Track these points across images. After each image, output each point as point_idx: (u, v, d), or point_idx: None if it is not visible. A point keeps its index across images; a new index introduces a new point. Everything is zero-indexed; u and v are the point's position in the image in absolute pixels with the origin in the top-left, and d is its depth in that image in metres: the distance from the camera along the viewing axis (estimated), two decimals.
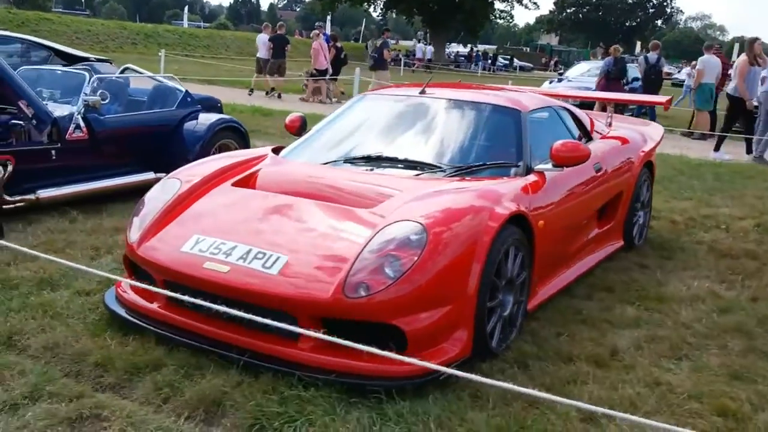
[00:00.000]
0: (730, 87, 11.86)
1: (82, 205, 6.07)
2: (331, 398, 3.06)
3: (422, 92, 4.78)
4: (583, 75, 19.87)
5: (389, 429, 2.92)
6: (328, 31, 28.93)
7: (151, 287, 3.41)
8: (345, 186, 3.95)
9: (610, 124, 6.13)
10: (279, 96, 18.17)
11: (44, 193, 5.87)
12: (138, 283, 3.59)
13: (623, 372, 3.58)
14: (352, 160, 4.33)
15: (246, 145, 7.26)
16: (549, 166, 4.28)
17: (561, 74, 23.27)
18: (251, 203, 3.86)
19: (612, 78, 15.86)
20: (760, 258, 5.79)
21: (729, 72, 14.25)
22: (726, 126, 11.94)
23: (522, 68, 51.32)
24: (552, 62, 56.53)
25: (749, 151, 11.67)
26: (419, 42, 48.75)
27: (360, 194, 3.83)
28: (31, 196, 5.79)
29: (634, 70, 18.32)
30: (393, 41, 68.90)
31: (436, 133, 4.51)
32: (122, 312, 3.76)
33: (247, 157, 4.53)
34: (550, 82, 19.88)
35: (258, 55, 19.04)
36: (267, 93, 18.16)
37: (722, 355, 3.88)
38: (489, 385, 3.14)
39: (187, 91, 7.16)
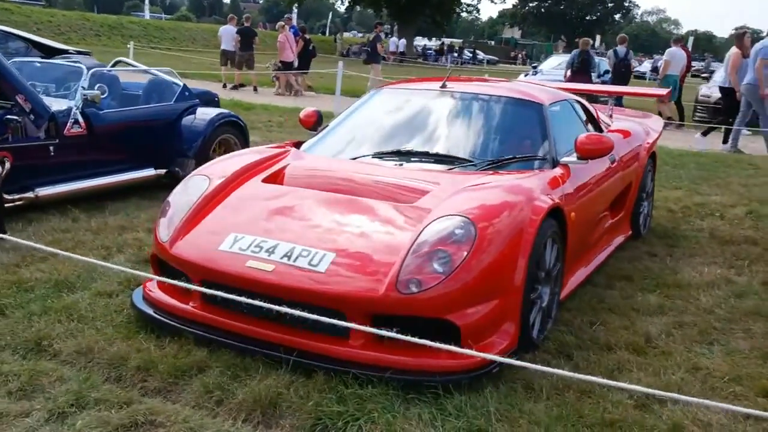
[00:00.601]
0: (722, 79, 12.04)
1: (83, 203, 5.93)
2: (388, 395, 3.04)
3: (443, 86, 4.76)
4: (555, 68, 20.11)
5: (451, 424, 2.91)
6: (296, 23, 28.70)
7: (197, 287, 3.33)
8: (380, 181, 3.92)
9: (611, 116, 6.20)
10: (255, 89, 17.95)
11: (43, 191, 5.72)
12: (183, 284, 3.48)
13: (662, 358, 3.63)
14: (380, 155, 4.29)
15: (246, 140, 7.18)
16: (574, 158, 4.31)
17: (535, 67, 23.45)
18: (286, 200, 3.80)
19: (576, 71, 16.04)
20: (760, 243, 5.91)
21: (692, 64, 14.72)
22: (726, 117, 12.12)
23: (488, 62, 51.54)
24: (520, 55, 56.91)
25: (725, 140, 11.89)
26: (389, 35, 48.63)
27: (397, 189, 3.81)
28: (30, 194, 5.64)
29: (604, 64, 18.61)
30: (360, 35, 68.69)
31: (462, 128, 4.50)
32: (153, 313, 3.69)
33: (269, 152, 4.46)
34: (526, 75, 20.02)
35: (223, 47, 18.76)
36: (233, 87, 17.89)
37: (748, 338, 3.96)
38: (541, 375, 3.22)
39: (185, 84, 7.04)
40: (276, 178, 4.09)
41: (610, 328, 3.96)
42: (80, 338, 3.54)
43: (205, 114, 6.85)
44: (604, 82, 17.27)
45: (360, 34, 70.73)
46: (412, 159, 4.22)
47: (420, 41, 58.12)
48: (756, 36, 16.88)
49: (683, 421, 3.01)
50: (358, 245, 3.38)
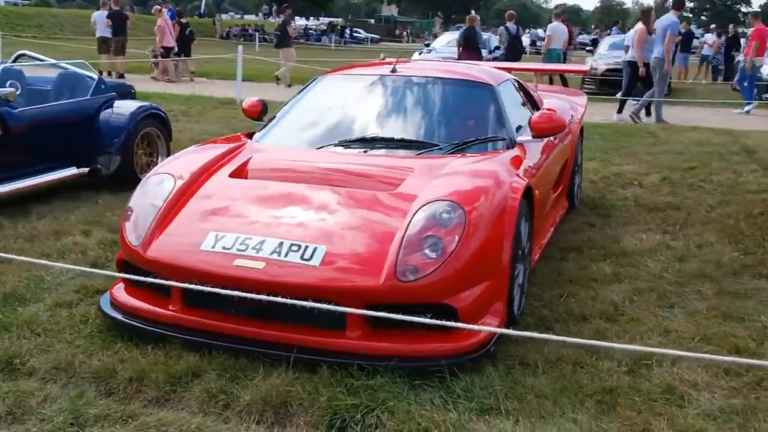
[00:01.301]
0: (629, 54, 12.56)
1: (5, 209, 5.57)
2: (396, 383, 3.05)
3: (394, 71, 4.75)
4: (447, 45, 20.45)
5: (463, 406, 2.95)
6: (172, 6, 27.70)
7: (215, 289, 3.18)
8: (353, 170, 3.89)
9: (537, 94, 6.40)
10: (121, 76, 17.08)
11: None
12: (190, 286, 3.34)
13: (634, 324, 3.81)
14: (345, 143, 4.26)
15: (169, 132, 6.94)
16: (529, 137, 4.43)
17: (428, 45, 23.77)
18: (260, 194, 3.72)
19: (465, 47, 16.39)
20: (682, 208, 6.29)
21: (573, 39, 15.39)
22: (627, 90, 12.67)
23: (371, 40, 51.66)
24: (406, 33, 57.28)
25: (620, 111, 12.48)
26: (266, 16, 47.79)
27: (373, 177, 3.80)
28: None
29: (494, 40, 19.15)
30: (238, 15, 66.77)
31: (420, 112, 4.53)
32: (128, 319, 3.53)
33: (226, 146, 4.33)
34: (420, 53, 20.24)
35: (99, 34, 18.03)
36: (119, 76, 17.13)
37: (702, 299, 4.21)
38: (534, 350, 3.35)
39: (100, 77, 6.69)
40: (242, 172, 3.99)
41: (579, 299, 4.12)
42: (54, 353, 3.35)
43: (125, 107, 6.54)
44: (495, 58, 17.76)
45: (237, 15, 69.18)
46: (378, 146, 4.22)
47: (299, 21, 57.44)
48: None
49: (673, 382, 3.18)
50: (349, 236, 3.35)
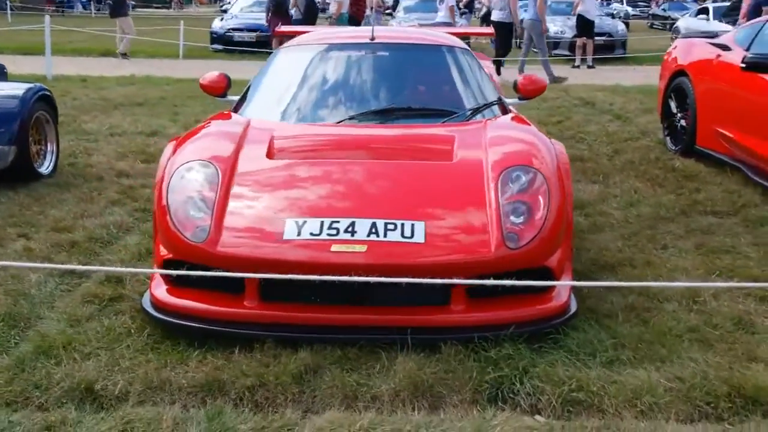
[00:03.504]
0: (496, 15, 12.95)
1: None
2: (520, 350, 3.07)
3: (372, 39, 4.62)
4: (249, 10, 19.83)
5: (591, 362, 3.04)
6: None
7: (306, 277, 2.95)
8: (394, 142, 3.79)
9: None
10: None
11: None
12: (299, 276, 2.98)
13: (652, 269, 4.12)
14: (362, 116, 4.09)
15: (56, 115, 6.15)
16: (515, 99, 4.58)
17: (224, 10, 22.83)
18: (316, 173, 3.52)
19: (275, 12, 16.13)
20: (587, 159, 6.79)
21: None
22: (505, 51, 13.08)
23: (132, 7, 48.12)
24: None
25: (498, 72, 13.01)
26: None
27: (421, 148, 3.74)
28: None
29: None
30: None
31: (418, 79, 4.49)
32: (194, 323, 3.20)
33: (228, 124, 4.01)
34: (221, 20, 19.47)
35: None
36: None
37: (681, 238, 4.65)
38: (597, 299, 3.52)
39: None
40: (278, 153, 3.69)
41: (583, 250, 4.36)
42: (130, 372, 2.95)
43: (11, 90, 5.69)
44: (296, 21, 17.51)
45: None
46: (394, 116, 4.12)
47: None
48: None
49: (734, 313, 3.52)
50: (439, 210, 3.29)
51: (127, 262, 4.11)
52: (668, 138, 7.25)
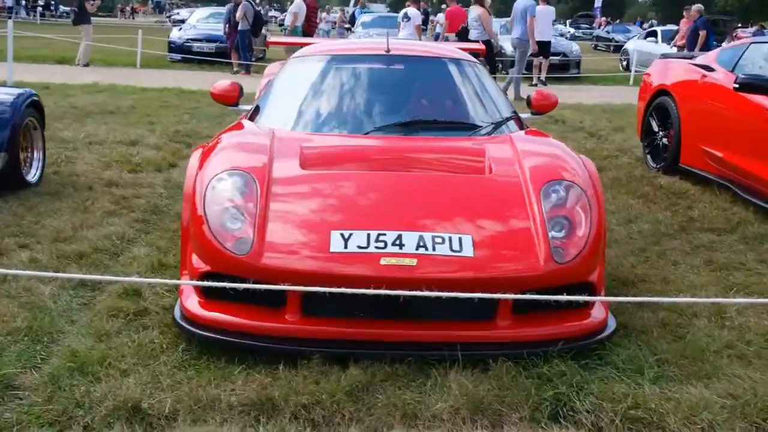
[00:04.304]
0: (474, 34, 12.98)
1: None
2: (569, 365, 3.05)
3: (388, 51, 4.58)
4: (203, 21, 19.63)
5: (639, 377, 3.04)
6: None
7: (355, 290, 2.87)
8: (427, 154, 3.78)
9: None
10: None
11: None
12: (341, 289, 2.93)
13: (672, 285, 4.17)
14: (388, 127, 4.04)
15: (44, 121, 5.93)
16: (528, 114, 4.61)
17: (176, 20, 22.52)
18: (355, 185, 3.46)
19: (234, 24, 16.12)
20: None
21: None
22: (492, 67, 13.16)
23: (66, 13, 46.68)
24: (128, 8, 52.67)
25: None
26: None
27: (454, 160, 3.73)
28: None
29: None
30: None
31: (438, 92, 4.46)
32: (233, 338, 3.10)
33: (253, 134, 3.92)
34: (180, 29, 19.17)
35: None
36: None
37: (688, 254, 4.70)
38: (635, 317, 3.55)
39: None
40: (311, 164, 3.61)
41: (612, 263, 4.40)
42: (175, 390, 2.83)
43: (2, 96, 5.45)
44: (245, 32, 17.30)
45: None
46: (419, 129, 4.08)
47: None
48: None
49: (762, 330, 3.60)
50: (484, 223, 3.27)
51: (143, 275, 3.95)
52: (648, 156, 7.40)
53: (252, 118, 4.34)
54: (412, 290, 2.89)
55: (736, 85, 5.68)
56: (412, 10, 15.64)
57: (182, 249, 3.53)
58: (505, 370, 3.00)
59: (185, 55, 17.56)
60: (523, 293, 3.09)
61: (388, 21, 19.67)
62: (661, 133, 7.16)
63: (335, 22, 25.30)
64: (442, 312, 3.13)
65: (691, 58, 7.73)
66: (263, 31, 20.32)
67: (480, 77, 4.62)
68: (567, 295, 3.06)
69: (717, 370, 3.15)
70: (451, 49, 5.05)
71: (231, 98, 4.54)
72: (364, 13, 23.18)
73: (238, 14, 16.05)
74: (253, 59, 17.45)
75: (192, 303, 3.25)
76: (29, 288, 3.70)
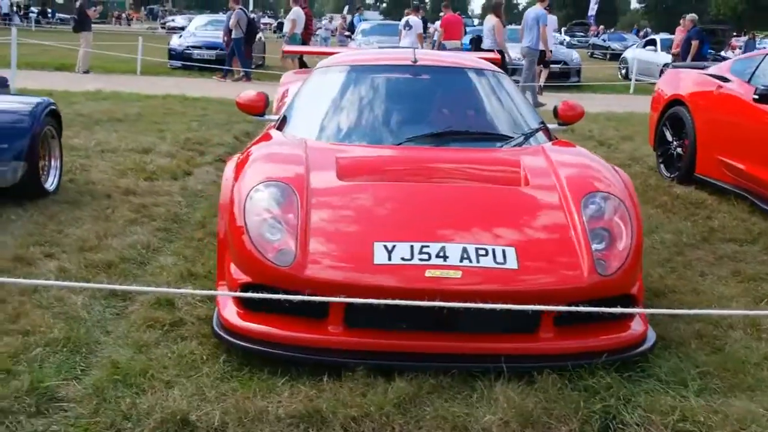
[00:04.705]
0: (486, 44, 13.09)
1: None
2: (613, 378, 3.04)
3: (415, 61, 4.57)
4: (201, 28, 19.63)
5: (684, 390, 3.03)
6: None
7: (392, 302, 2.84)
8: (462, 165, 3.77)
9: None
10: None
11: None
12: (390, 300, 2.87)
13: (702, 296, 4.16)
14: (421, 138, 4.03)
15: (61, 130, 5.90)
16: (555, 125, 4.61)
17: (181, 28, 22.51)
18: (394, 196, 3.45)
19: (229, 31, 16.16)
20: None
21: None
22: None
23: (62, 21, 46.59)
24: (124, 16, 52.24)
25: None
26: None
27: (492, 172, 3.71)
28: None
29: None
30: None
31: (467, 102, 4.46)
32: (277, 350, 3.08)
33: (286, 145, 3.91)
34: (180, 37, 19.13)
35: None
36: None
37: (714, 265, 4.70)
38: (669, 329, 3.55)
39: None
40: (347, 175, 3.60)
41: None
42: (221, 402, 2.81)
43: (18, 104, 5.43)
44: (237, 40, 17.22)
45: None
46: (451, 139, 4.08)
47: None
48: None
49: None
50: (526, 235, 3.26)
51: (174, 284, 3.92)
52: (662, 165, 7.42)
53: (280, 128, 4.32)
54: (457, 302, 2.88)
55: (756, 96, 5.69)
56: (413, 19, 15.68)
57: (219, 259, 3.51)
58: (551, 383, 2.98)
59: (185, 62, 17.53)
60: (568, 305, 3.08)
61: (388, 28, 19.70)
62: (675, 142, 7.18)
63: (334, 30, 25.30)
64: (485, 324, 3.11)
65: (702, 68, 7.75)
66: (260, 38, 20.42)
67: (506, 87, 4.62)
68: (609, 306, 3.08)
69: (760, 383, 3.15)
70: (475, 59, 5.04)
71: (257, 108, 4.52)
72: (363, 21, 23.22)
73: (232, 22, 16.03)
74: (253, 66, 17.47)
75: (230, 313, 3.22)
76: (61, 298, 3.67)
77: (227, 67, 16.21)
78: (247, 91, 4.62)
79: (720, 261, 4.83)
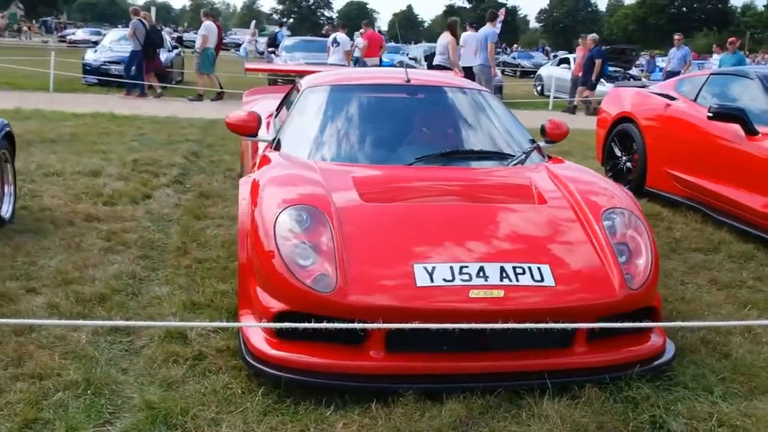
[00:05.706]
0: (438, 59, 13.20)
1: None
2: (649, 388, 3.13)
3: (408, 81, 4.58)
4: (115, 42, 18.98)
5: (713, 396, 3.16)
6: None
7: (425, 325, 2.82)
8: (480, 185, 3.84)
9: None
10: None
11: None
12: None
13: (693, 304, 4.35)
14: (432, 158, 4.03)
15: (15, 151, 5.56)
16: (543, 143, 4.72)
17: (84, 41, 21.69)
18: (422, 216, 3.44)
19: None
20: None
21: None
22: None
23: None
24: (16, 27, 49.36)
25: None
26: None
27: (508, 190, 3.78)
28: None
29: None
30: None
31: (466, 122, 4.49)
32: (316, 380, 3.00)
33: (297, 167, 3.83)
34: (95, 51, 18.42)
35: None
36: None
37: (691, 274, 4.91)
38: (677, 337, 3.68)
39: None
40: (370, 196, 3.55)
41: None
42: None
43: None
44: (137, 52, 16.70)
45: None
46: (456, 158, 4.11)
47: None
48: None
49: None
50: (557, 252, 3.32)
51: (182, 316, 3.76)
52: (612, 179, 7.68)
53: (277, 148, 4.23)
54: (500, 322, 2.89)
55: (710, 114, 6.00)
56: (341, 36, 15.72)
57: (241, 286, 3.40)
58: (594, 396, 3.04)
59: (102, 77, 16.85)
60: (600, 320, 3.16)
61: (313, 45, 19.56)
62: (624, 157, 7.47)
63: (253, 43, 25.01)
64: (524, 342, 3.14)
65: (642, 87, 8.12)
66: (179, 52, 19.90)
67: (496, 107, 4.70)
68: (634, 319, 3.17)
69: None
70: (462, 79, 5.11)
71: (249, 129, 4.40)
72: (286, 37, 23.00)
73: (128, 33, 15.34)
74: (173, 82, 17.01)
75: (260, 342, 3.12)
76: (62, 336, 3.45)
77: (131, 81, 15.36)
78: (237, 111, 4.49)
79: (693, 270, 5.05)
